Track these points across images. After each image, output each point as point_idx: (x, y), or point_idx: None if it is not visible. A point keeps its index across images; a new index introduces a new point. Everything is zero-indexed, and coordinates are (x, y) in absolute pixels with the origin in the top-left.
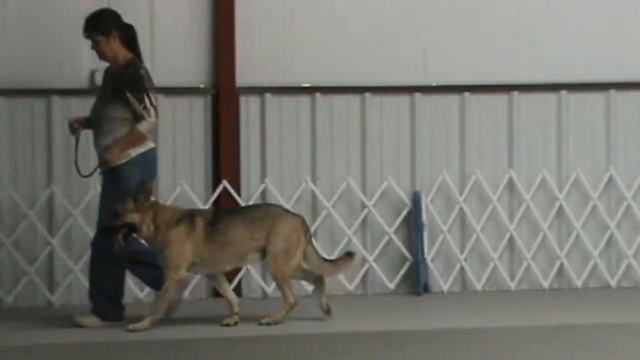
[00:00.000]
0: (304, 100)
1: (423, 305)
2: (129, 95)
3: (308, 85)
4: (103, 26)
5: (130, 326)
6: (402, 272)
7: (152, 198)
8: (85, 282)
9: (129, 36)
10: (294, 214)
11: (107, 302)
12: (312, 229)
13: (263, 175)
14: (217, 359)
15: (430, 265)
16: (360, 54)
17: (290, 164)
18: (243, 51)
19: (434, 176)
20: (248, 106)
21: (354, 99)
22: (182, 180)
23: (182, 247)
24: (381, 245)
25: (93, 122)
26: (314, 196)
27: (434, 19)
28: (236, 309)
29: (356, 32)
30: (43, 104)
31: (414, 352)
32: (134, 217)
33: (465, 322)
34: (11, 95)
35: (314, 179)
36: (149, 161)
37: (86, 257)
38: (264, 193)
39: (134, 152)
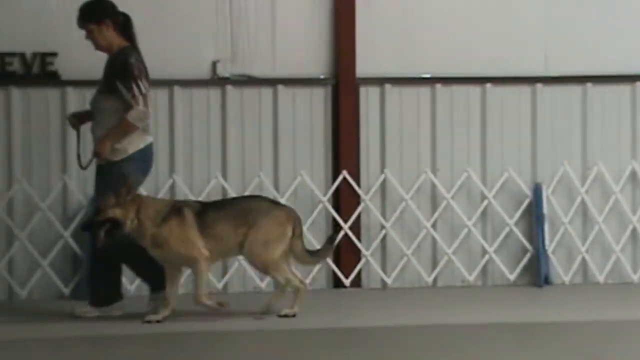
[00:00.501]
0: (424, 90)
1: (544, 296)
2: (118, 84)
3: (428, 75)
4: (96, 15)
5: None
6: (522, 263)
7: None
8: None
9: (123, 24)
10: (281, 207)
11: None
12: (432, 220)
13: (383, 165)
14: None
15: (551, 256)
16: (480, 45)
17: (410, 155)
18: (363, 41)
19: (555, 167)
20: (368, 97)
21: (475, 90)
22: (302, 170)
23: (184, 235)
24: (501, 236)
25: (91, 114)
26: (433, 187)
27: (555, 9)
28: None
29: (476, 22)
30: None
31: (541, 343)
32: (115, 212)
33: (589, 315)
34: None
35: (434, 170)
36: (147, 156)
37: None
38: (383, 184)
39: (132, 149)
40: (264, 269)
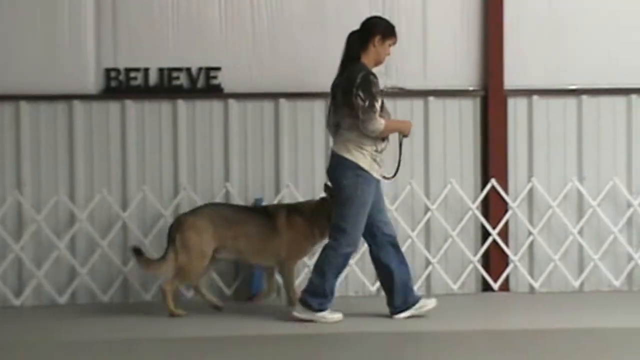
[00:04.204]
0: (570, 102)
1: None
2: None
3: (574, 87)
4: None
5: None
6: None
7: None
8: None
9: None
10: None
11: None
12: (578, 227)
13: (530, 174)
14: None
15: None
16: (628, 55)
17: (557, 164)
18: (511, 54)
19: None
20: (516, 107)
21: (621, 101)
22: (452, 178)
23: None
24: (607, 243)
25: None
26: (580, 195)
27: None
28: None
29: (622, 34)
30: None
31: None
32: None
33: None
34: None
35: (581, 178)
36: None
37: None
38: (531, 192)
39: None
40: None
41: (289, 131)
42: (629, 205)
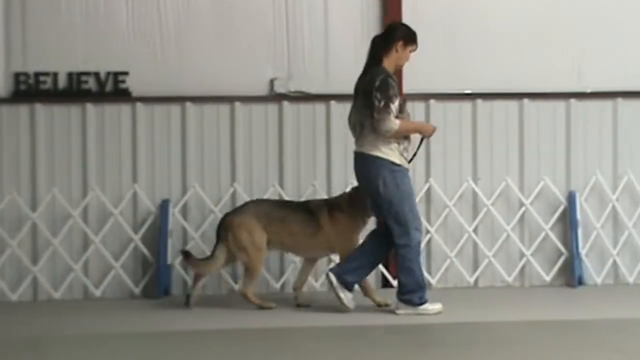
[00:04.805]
0: (466, 105)
1: (579, 296)
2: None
3: (469, 92)
4: None
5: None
6: (557, 265)
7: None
8: None
9: None
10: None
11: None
12: (473, 226)
13: (428, 175)
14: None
15: (585, 259)
16: (518, 62)
17: (453, 165)
18: (410, 59)
19: (588, 176)
20: (414, 111)
21: (513, 105)
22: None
23: None
24: (538, 240)
25: None
26: (475, 195)
27: (588, 28)
28: None
29: (512, 43)
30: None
31: (570, 339)
32: None
33: (618, 313)
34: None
35: (475, 179)
36: None
37: None
38: (428, 192)
39: None
40: None
41: (196, 134)
42: (521, 204)
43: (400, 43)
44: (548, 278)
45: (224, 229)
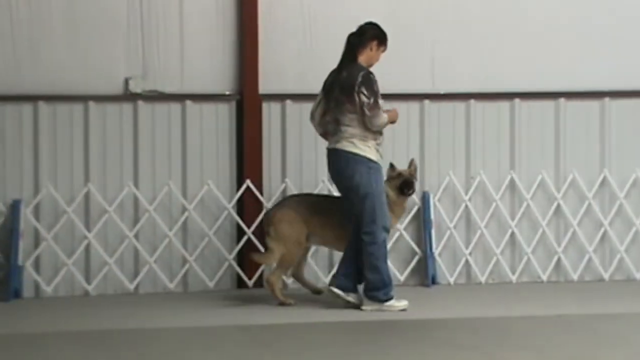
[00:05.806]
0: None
1: (432, 295)
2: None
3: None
4: None
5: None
6: (411, 265)
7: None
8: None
9: None
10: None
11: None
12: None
13: (284, 175)
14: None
15: (438, 259)
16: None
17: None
18: (266, 60)
19: (442, 177)
20: (270, 111)
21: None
22: (209, 180)
23: None
24: (392, 241)
25: None
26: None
27: (442, 31)
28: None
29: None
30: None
31: (423, 338)
32: None
33: (471, 312)
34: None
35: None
36: None
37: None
38: (284, 191)
39: None
40: None
41: (49, 133)
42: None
43: (375, 42)
44: (402, 277)
45: (267, 223)
